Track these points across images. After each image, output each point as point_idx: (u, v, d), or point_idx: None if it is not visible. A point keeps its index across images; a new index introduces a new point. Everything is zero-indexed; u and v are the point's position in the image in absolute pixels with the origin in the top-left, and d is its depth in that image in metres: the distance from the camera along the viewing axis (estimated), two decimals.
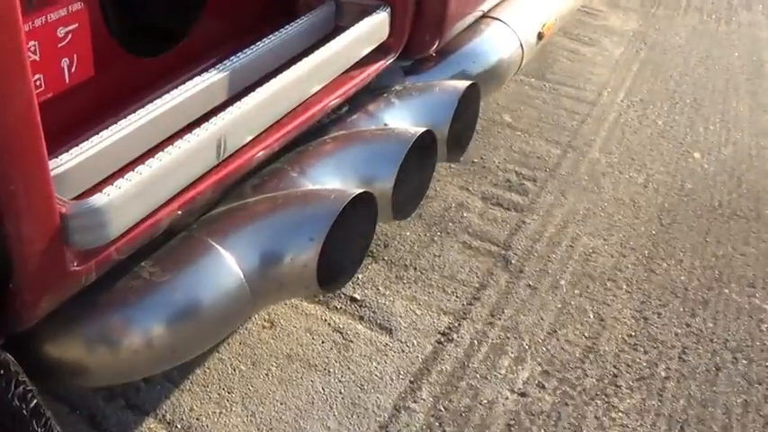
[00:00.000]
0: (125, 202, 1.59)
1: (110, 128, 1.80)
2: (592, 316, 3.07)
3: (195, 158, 1.79)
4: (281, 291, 2.08)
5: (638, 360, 2.91)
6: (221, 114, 1.88)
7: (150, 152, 1.83)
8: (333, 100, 2.36)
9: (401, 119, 2.64)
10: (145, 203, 1.68)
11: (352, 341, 2.79)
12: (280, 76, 2.10)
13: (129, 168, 1.70)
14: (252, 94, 2.00)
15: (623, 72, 5.09)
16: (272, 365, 2.68)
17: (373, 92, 2.72)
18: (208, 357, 2.67)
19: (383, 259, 3.20)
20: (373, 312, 2.92)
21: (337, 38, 2.34)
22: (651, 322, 3.08)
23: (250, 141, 2.02)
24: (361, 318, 2.89)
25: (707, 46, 5.62)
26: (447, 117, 2.67)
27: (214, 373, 2.63)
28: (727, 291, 3.31)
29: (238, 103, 1.95)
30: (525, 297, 3.10)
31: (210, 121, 1.84)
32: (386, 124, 2.59)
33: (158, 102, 1.93)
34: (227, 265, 1.92)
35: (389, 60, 2.64)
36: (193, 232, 1.95)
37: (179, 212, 1.80)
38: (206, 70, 2.10)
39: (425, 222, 3.44)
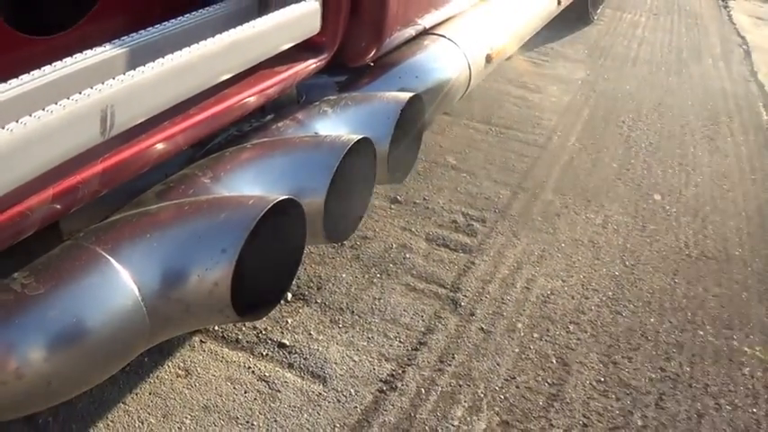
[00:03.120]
0: None
1: None
2: (555, 361, 2.70)
3: (73, 128, 1.41)
4: (188, 315, 1.69)
5: (609, 408, 2.54)
6: (108, 82, 1.51)
7: None
8: (251, 95, 2.00)
9: (335, 131, 2.29)
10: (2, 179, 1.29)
11: (279, 391, 2.38)
12: (180, 51, 1.73)
13: None
14: (148, 64, 1.63)
15: (573, 117, 4.83)
16: (186, 418, 2.25)
17: (303, 104, 2.37)
18: (112, 408, 2.26)
19: (316, 302, 2.80)
20: (304, 359, 2.52)
21: (254, 20, 1.99)
22: (621, 367, 2.72)
23: (146, 124, 1.64)
24: (291, 365, 2.48)
25: (659, 94, 5.40)
26: (388, 130, 2.32)
27: (119, 426, 2.21)
28: (702, 333, 2.97)
29: (130, 72, 1.58)
30: (478, 341, 2.72)
31: (94, 87, 1.47)
32: (317, 134, 2.23)
33: (35, 73, 1.55)
34: (119, 280, 1.53)
35: (321, 61, 2.30)
36: (80, 240, 1.56)
37: (55, 205, 1.41)
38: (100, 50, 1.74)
39: (363, 263, 3.06)
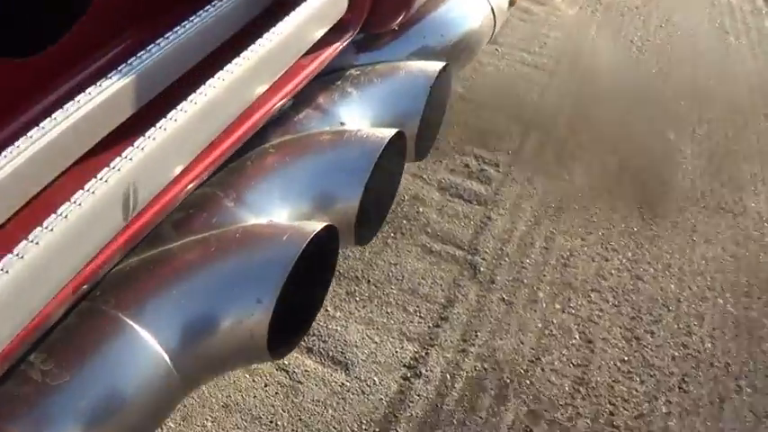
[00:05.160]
0: None
1: None
2: (578, 337, 2.59)
3: (91, 227, 1.20)
4: (221, 366, 1.54)
5: (634, 393, 2.45)
6: (127, 152, 1.28)
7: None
8: (281, 99, 1.78)
9: (361, 115, 2.08)
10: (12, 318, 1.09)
11: (300, 382, 2.26)
12: (211, 82, 1.50)
13: None
14: (172, 113, 1.40)
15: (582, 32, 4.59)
16: (207, 419, 2.12)
17: (322, 78, 2.14)
18: None
19: None
20: (324, 342, 2.38)
21: (287, 18, 1.75)
22: (644, 344, 2.62)
23: (171, 181, 1.43)
24: (310, 350, 2.35)
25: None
26: (417, 109, 2.13)
27: None
28: (721, 301, 2.87)
29: (152, 130, 1.35)
30: (500, 315, 2.60)
31: (112, 165, 1.24)
32: (342, 123, 2.02)
33: (32, 133, 1.27)
34: (147, 350, 1.36)
35: (346, 41, 2.07)
36: (98, 303, 1.37)
37: (75, 296, 1.23)
38: (99, 75, 1.46)
39: None
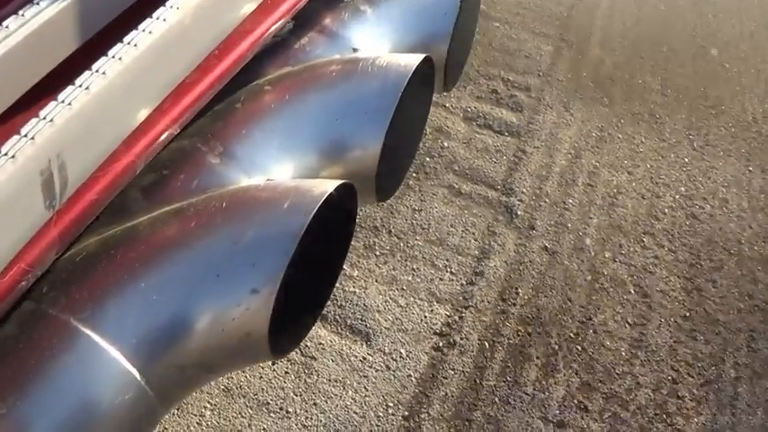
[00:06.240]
0: None
1: None
2: (633, 291, 2.24)
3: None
4: (209, 374, 1.20)
5: (699, 355, 2.11)
6: (47, 109, 0.90)
7: None
8: (276, 20, 1.40)
9: (378, 37, 1.72)
10: None
11: (315, 358, 1.91)
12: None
13: None
14: (130, 37, 1.02)
15: None
16: (206, 407, 1.78)
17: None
18: None
19: None
20: (340, 308, 2.04)
21: None
22: (707, 295, 2.27)
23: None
24: (325, 318, 2.00)
25: None
26: (446, 28, 1.76)
27: None
28: None
29: (85, 75, 0.96)
30: (543, 267, 2.25)
31: (23, 131, 0.86)
32: (355, 49, 1.64)
33: None
34: (110, 366, 1.01)
35: None
36: (44, 304, 1.00)
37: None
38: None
39: None
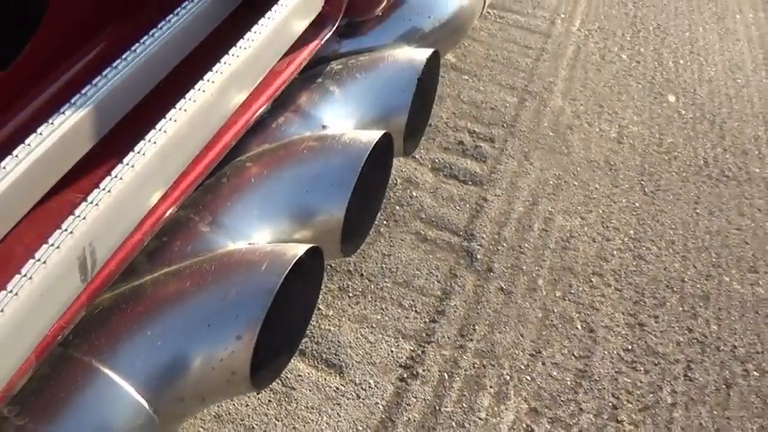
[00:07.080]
0: None
1: None
2: (580, 326, 2.50)
3: (46, 299, 1.09)
4: (202, 404, 1.46)
5: (638, 383, 2.38)
6: (81, 209, 1.16)
7: None
8: (260, 107, 1.67)
9: (345, 115, 1.97)
10: None
11: (293, 388, 2.18)
12: (183, 103, 1.38)
13: None
14: (140, 145, 1.29)
15: None
16: None
17: (302, 74, 2.03)
18: None
19: None
20: (317, 344, 2.30)
21: (262, 20, 1.63)
22: (648, 330, 2.53)
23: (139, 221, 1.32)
24: (302, 353, 2.26)
25: None
26: (404, 103, 2.02)
27: None
28: (727, 279, 2.79)
29: (107, 181, 1.22)
30: (499, 306, 2.51)
31: (64, 226, 1.12)
32: (324, 126, 1.91)
33: None
34: (125, 398, 1.28)
35: (326, 35, 1.95)
36: (70, 349, 1.28)
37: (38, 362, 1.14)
38: (49, 106, 1.34)
39: None
